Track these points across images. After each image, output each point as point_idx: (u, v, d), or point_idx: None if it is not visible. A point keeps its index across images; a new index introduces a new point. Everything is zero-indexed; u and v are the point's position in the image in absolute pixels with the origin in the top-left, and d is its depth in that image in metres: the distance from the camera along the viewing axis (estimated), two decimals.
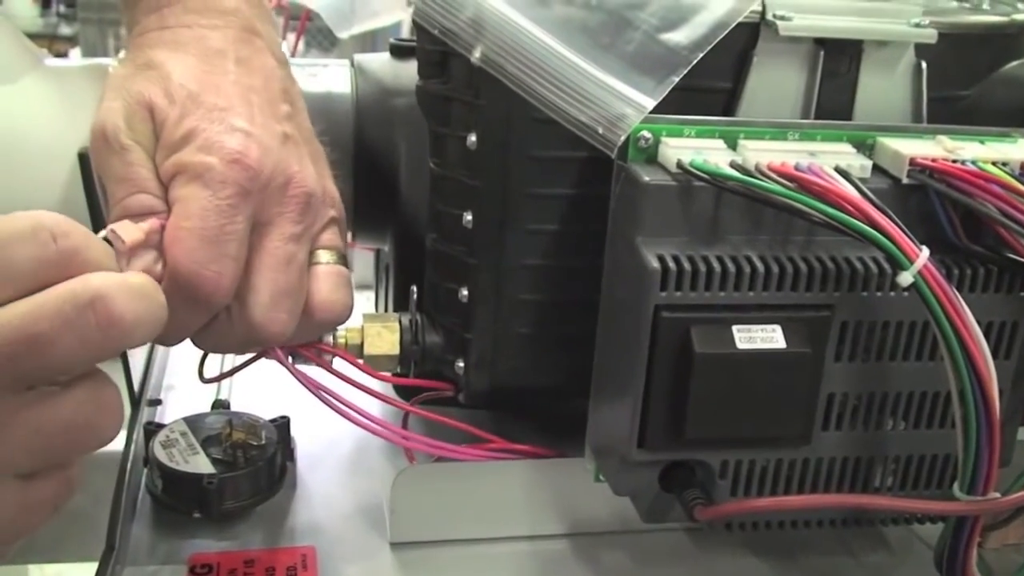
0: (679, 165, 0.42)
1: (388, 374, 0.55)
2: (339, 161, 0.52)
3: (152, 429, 0.56)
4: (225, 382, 0.62)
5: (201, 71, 0.46)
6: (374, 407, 0.53)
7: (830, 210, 0.40)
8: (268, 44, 0.49)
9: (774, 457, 0.45)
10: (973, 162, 0.43)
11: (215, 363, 0.54)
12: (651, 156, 0.43)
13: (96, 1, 2.62)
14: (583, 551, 0.54)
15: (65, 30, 3.60)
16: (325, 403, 0.51)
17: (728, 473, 0.44)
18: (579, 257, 0.50)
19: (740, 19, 0.46)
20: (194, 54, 0.46)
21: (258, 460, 0.54)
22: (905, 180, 0.43)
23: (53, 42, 3.46)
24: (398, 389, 0.58)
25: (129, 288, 0.35)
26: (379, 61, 0.61)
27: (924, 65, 0.50)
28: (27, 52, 0.55)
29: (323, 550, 0.52)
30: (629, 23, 0.46)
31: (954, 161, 0.43)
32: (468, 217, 0.51)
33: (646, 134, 0.43)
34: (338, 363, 0.53)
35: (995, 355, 0.41)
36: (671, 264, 0.41)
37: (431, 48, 0.51)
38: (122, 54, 0.49)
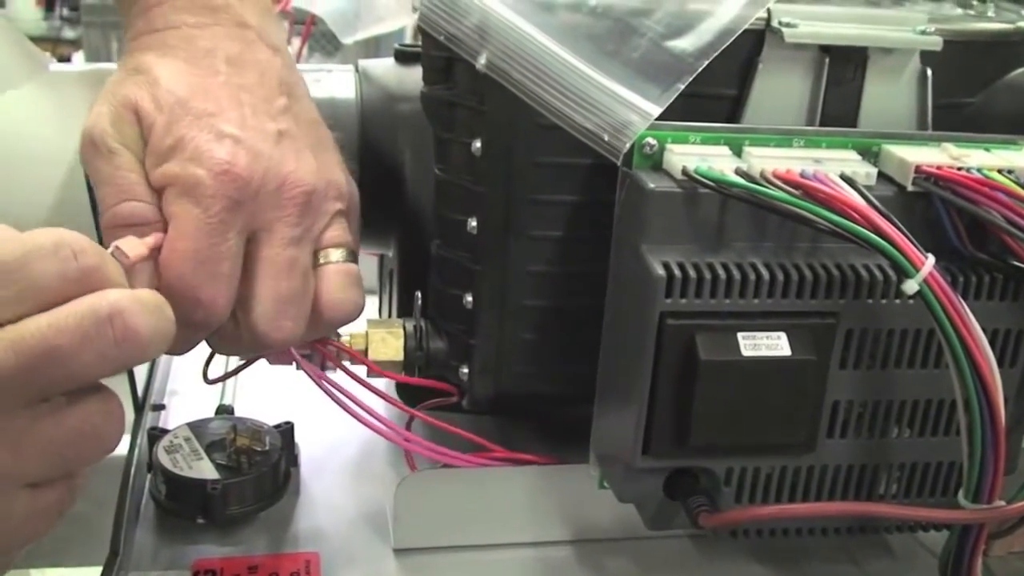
0: (684, 172, 0.42)
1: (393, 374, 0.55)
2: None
3: (156, 434, 0.56)
4: (229, 387, 0.63)
5: (190, 74, 0.45)
6: (379, 408, 0.53)
7: (835, 217, 0.40)
8: (262, 35, 0.48)
9: (779, 465, 0.45)
10: (978, 170, 0.43)
11: (219, 365, 0.54)
12: (656, 163, 0.43)
13: (99, 4, 2.63)
14: (587, 558, 0.54)
15: (68, 33, 3.60)
16: (329, 395, 0.51)
17: (733, 480, 0.44)
18: (584, 264, 0.50)
19: (746, 26, 0.46)
20: (183, 57, 0.46)
21: (262, 466, 0.54)
22: (910, 187, 0.43)
23: (56, 45, 3.46)
24: (401, 394, 0.57)
25: (144, 304, 0.36)
26: (384, 66, 0.61)
27: (929, 72, 0.50)
28: (28, 56, 0.55)
29: (326, 556, 0.52)
30: (635, 30, 0.46)
31: (959, 169, 0.43)
32: (473, 223, 0.51)
33: (651, 141, 0.43)
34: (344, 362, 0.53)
35: (1000, 363, 0.41)
36: (676, 271, 0.41)
37: (436, 54, 0.51)
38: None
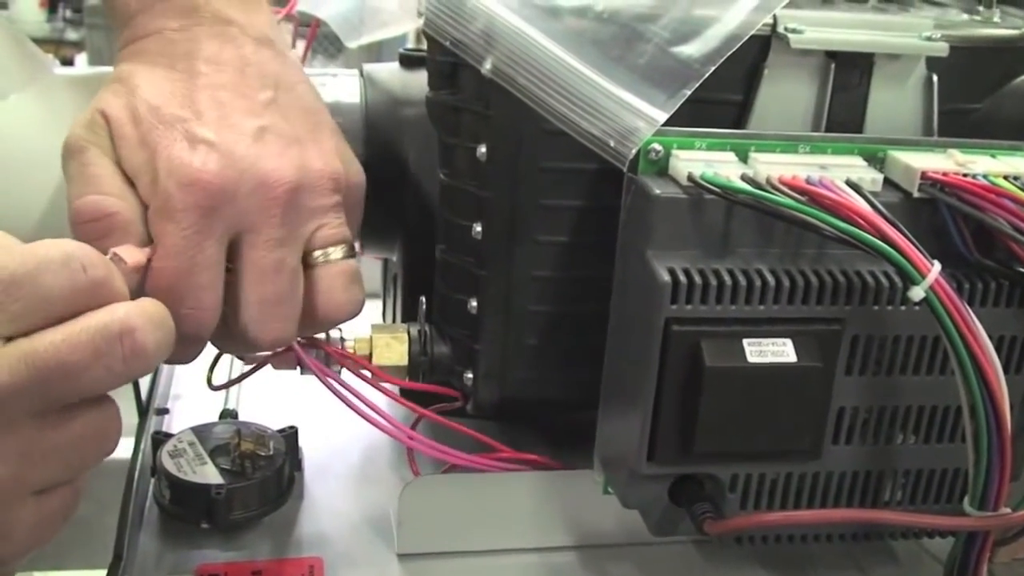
0: (690, 178, 0.41)
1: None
2: None
3: (160, 439, 0.56)
4: (233, 392, 0.63)
5: (168, 80, 0.44)
6: (384, 408, 0.53)
7: (841, 224, 0.40)
8: (246, 28, 0.47)
9: (784, 471, 0.45)
10: (984, 176, 0.43)
11: (223, 371, 0.54)
12: (662, 169, 0.43)
13: (102, 7, 2.63)
14: (591, 564, 0.53)
15: (71, 35, 3.61)
16: (334, 392, 0.50)
17: (738, 487, 0.44)
18: (589, 269, 0.49)
19: (752, 32, 0.45)
20: (162, 63, 0.45)
21: (266, 470, 0.54)
22: (916, 194, 0.43)
23: (59, 47, 3.47)
24: (406, 397, 0.57)
25: (150, 318, 0.37)
26: (388, 71, 0.61)
27: (935, 78, 0.50)
28: (31, 58, 0.55)
29: (330, 561, 0.52)
30: (641, 36, 0.46)
31: (965, 175, 0.43)
32: (478, 228, 0.51)
33: (657, 147, 0.43)
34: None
35: (1006, 369, 0.41)
36: (682, 277, 0.41)
37: (442, 59, 0.51)
38: None
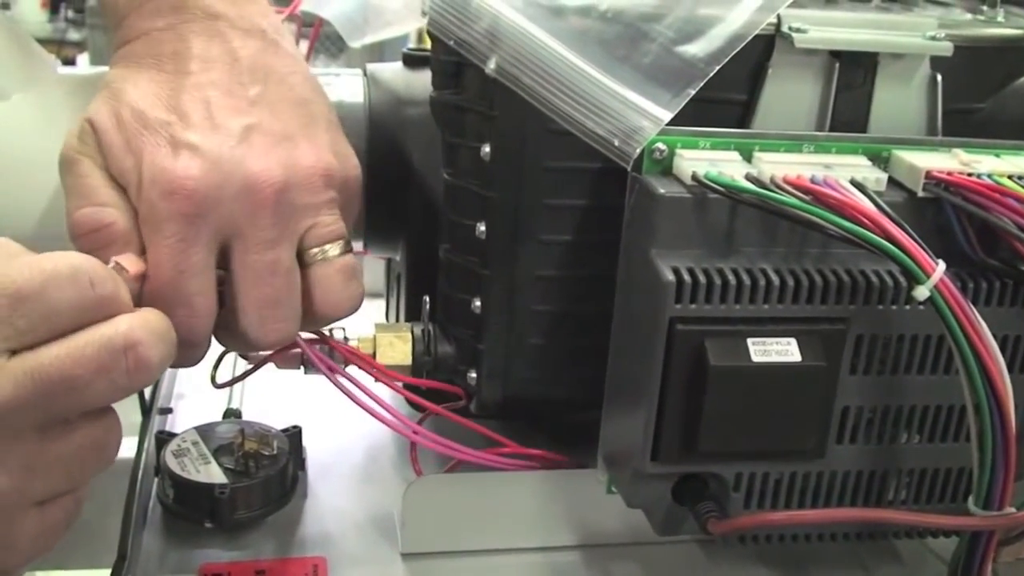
0: (694, 177, 0.41)
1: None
2: None
3: (163, 438, 0.56)
4: (237, 391, 0.63)
5: (155, 82, 0.44)
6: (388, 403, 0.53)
7: (846, 223, 0.40)
8: (236, 21, 0.46)
9: (788, 470, 0.45)
10: (989, 175, 0.43)
11: (227, 370, 0.54)
12: (666, 168, 0.43)
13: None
14: (595, 563, 0.53)
15: (73, 35, 3.61)
16: (338, 387, 0.50)
17: (742, 486, 0.44)
18: (593, 269, 0.50)
19: (756, 31, 0.45)
20: (150, 65, 0.44)
21: (270, 470, 0.53)
22: (921, 193, 0.43)
23: (61, 47, 3.47)
24: (409, 400, 0.57)
25: (153, 330, 0.37)
26: (392, 70, 0.61)
27: (939, 78, 0.50)
28: (34, 58, 0.55)
29: (334, 560, 0.52)
30: (645, 35, 0.46)
31: (970, 174, 0.43)
32: (481, 228, 0.51)
33: (661, 146, 0.43)
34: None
35: (1011, 369, 0.41)
36: (686, 276, 0.41)
37: (446, 59, 0.51)
38: None
